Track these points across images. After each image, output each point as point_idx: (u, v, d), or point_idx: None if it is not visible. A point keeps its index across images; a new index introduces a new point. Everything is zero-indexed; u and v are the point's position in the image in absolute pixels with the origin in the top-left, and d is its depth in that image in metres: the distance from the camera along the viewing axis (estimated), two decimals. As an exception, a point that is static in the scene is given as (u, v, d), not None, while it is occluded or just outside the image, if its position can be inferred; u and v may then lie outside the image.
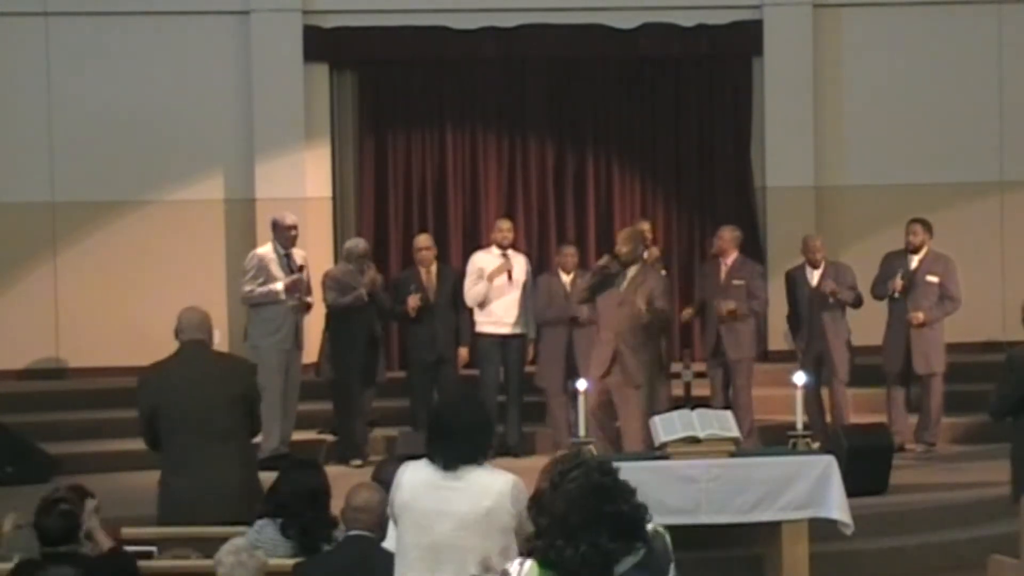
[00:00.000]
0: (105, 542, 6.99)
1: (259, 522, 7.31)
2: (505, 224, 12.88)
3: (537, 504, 3.73)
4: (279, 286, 12.05)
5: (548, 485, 3.72)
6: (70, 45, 14.01)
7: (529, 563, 3.92)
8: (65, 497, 6.76)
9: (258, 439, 11.13)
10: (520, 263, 12.80)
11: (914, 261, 12.22)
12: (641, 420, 10.76)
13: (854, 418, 12.11)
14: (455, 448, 5.85)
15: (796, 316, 12.53)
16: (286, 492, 7.25)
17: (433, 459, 5.90)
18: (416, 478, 5.89)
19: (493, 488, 5.85)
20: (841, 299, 12.16)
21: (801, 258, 12.53)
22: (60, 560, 6.46)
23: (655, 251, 12.72)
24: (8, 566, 6.50)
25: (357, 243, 12.64)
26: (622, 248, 11.25)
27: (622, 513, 3.64)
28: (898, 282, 12.12)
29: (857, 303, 12.26)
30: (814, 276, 12.31)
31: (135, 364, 8.93)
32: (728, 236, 12.53)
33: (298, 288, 12.10)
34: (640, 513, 3.69)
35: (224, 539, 6.62)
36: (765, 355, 13.04)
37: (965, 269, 12.64)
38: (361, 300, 12.13)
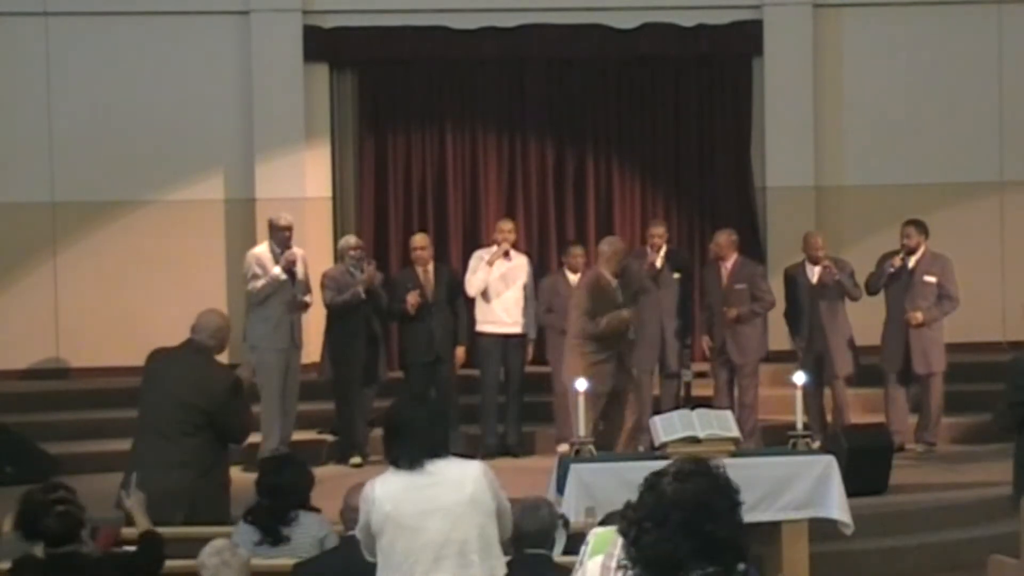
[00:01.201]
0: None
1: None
2: (507, 225, 12.87)
3: (655, 482, 3.62)
4: (277, 270, 12.08)
5: (672, 472, 3.61)
6: (70, 45, 14.00)
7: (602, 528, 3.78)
8: (64, 497, 6.72)
9: (257, 439, 11.21)
10: (522, 263, 12.79)
11: (911, 261, 12.21)
12: (624, 424, 10.93)
13: (854, 418, 12.10)
14: (417, 445, 5.90)
15: (795, 313, 12.50)
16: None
17: (397, 463, 5.94)
18: (389, 488, 5.92)
19: (468, 475, 5.93)
20: (838, 280, 12.09)
21: (801, 256, 12.51)
22: (61, 561, 6.44)
23: (659, 256, 12.61)
24: (6, 565, 6.49)
25: (348, 239, 12.76)
26: (612, 265, 11.30)
27: (718, 537, 3.55)
28: (897, 260, 12.08)
29: (855, 289, 12.20)
30: (814, 273, 12.27)
31: (135, 364, 8.96)
32: (724, 240, 12.47)
33: (294, 264, 12.11)
34: (733, 544, 3.58)
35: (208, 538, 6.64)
36: (766, 355, 13.02)
37: (965, 269, 12.64)
38: (358, 297, 12.14)
